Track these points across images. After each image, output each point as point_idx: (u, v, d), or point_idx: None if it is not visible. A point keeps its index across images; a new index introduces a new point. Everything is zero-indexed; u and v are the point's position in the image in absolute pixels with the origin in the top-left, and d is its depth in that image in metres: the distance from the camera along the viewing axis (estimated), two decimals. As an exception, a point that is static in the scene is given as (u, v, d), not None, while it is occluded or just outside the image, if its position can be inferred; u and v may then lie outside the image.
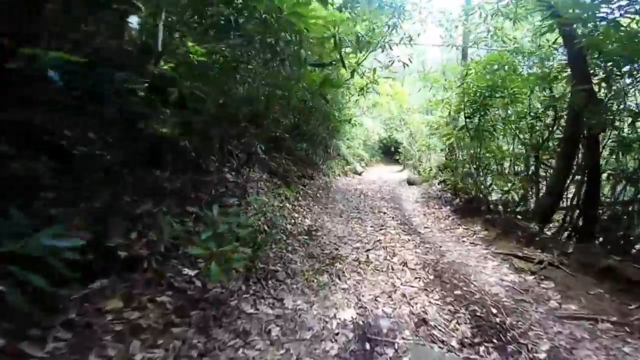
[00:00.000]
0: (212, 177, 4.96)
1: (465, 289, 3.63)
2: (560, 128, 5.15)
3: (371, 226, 6.13)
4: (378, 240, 5.17)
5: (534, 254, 4.15)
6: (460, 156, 8.61)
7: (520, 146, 6.03)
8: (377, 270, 4.10)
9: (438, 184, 9.02)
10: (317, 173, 10.26)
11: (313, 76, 3.05)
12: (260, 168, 6.93)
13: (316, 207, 7.07)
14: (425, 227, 6.17)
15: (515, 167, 5.50)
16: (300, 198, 7.10)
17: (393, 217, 6.83)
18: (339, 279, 3.80)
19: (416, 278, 3.91)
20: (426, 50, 18.37)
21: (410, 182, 11.79)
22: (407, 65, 6.05)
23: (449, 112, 10.71)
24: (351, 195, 8.81)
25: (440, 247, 4.95)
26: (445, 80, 8.53)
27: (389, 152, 24.73)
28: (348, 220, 6.49)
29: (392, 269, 4.11)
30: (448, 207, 7.27)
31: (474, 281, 3.84)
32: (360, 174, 15.58)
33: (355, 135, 16.67)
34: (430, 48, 17.14)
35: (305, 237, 4.96)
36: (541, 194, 5.23)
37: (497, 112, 6.43)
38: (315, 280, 3.68)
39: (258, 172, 6.81)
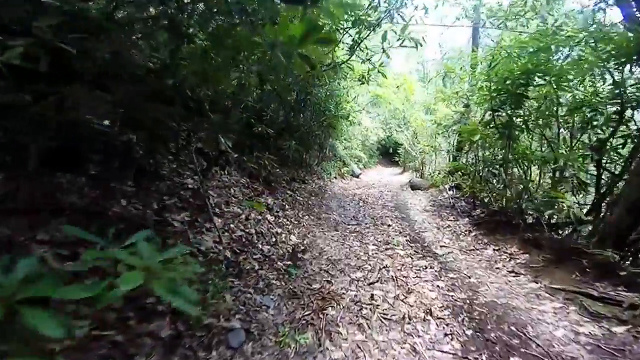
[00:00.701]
0: (160, 184, 3.61)
1: (525, 351, 2.33)
2: (628, 124, 3.87)
3: (374, 244, 4.80)
4: (385, 267, 3.84)
5: (616, 293, 2.84)
6: (480, 157, 7.34)
7: (563, 146, 4.74)
8: (387, 319, 2.77)
9: (449, 190, 7.70)
10: (310, 176, 8.93)
11: (289, 29, 1.72)
12: (239, 171, 5.60)
13: (306, 218, 5.74)
14: (443, 246, 4.84)
15: (562, 173, 4.21)
16: (287, 206, 5.76)
17: (400, 232, 5.51)
18: (330, 339, 2.46)
19: (446, 335, 2.58)
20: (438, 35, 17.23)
21: (414, 187, 10.48)
22: (421, 44, 4.71)
23: (466, 105, 9.48)
24: (349, 202, 7.48)
25: (469, 277, 3.63)
26: (461, 69, 7.23)
27: (388, 153, 23.57)
28: (345, 236, 5.15)
29: (409, 318, 2.78)
30: (466, 219, 5.96)
31: (533, 337, 2.53)
32: (358, 177, 14.29)
33: (352, 135, 15.38)
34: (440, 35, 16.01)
35: (288, 264, 3.63)
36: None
37: (532, 105, 5.12)
38: (294, 344, 2.34)
39: (236, 175, 5.49)
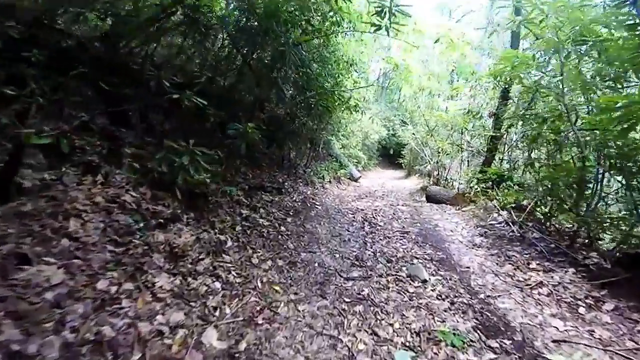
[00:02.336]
0: None
1: None
2: None
3: (405, 341, 1.98)
4: None
5: None
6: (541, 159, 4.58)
7: None
8: None
9: (501, 208, 4.88)
10: (294, 181, 6.08)
11: None
12: (131, 173, 2.78)
13: (267, 266, 2.91)
14: (557, 342, 2.02)
15: None
16: (230, 243, 2.93)
17: (449, 298, 2.75)
18: None
19: None
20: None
21: (432, 198, 7.66)
22: None
23: (505, 92, 6.71)
24: (347, 226, 4.64)
25: None
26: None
27: (388, 154, 20.88)
28: (340, 313, 2.39)
29: None
30: (570, 269, 3.14)
31: None
32: (357, 181, 11.48)
33: (351, 132, 12.56)
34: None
35: None
36: None
37: None
38: None
39: (122, 181, 2.68)
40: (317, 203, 5.48)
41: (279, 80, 4.36)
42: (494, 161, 7.70)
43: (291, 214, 4.40)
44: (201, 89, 3.33)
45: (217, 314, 2.14)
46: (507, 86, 7.08)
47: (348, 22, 5.02)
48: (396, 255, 3.61)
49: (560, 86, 3.66)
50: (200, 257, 2.51)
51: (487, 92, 7.41)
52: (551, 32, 3.83)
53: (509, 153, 7.61)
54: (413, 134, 14.18)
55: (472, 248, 3.95)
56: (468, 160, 8.95)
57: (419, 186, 11.15)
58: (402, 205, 6.23)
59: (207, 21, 4.10)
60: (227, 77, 4.71)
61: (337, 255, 3.49)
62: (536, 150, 6.32)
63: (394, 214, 5.50)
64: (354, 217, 5.04)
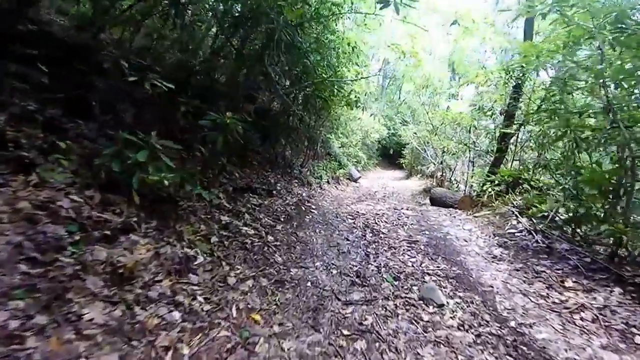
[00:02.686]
0: None
1: None
2: None
3: None
4: None
5: None
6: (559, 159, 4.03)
7: None
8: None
9: (519, 215, 4.32)
10: (289, 182, 5.52)
11: None
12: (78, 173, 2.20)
13: (247, 288, 2.34)
14: None
15: None
16: (201, 259, 2.36)
17: (474, 329, 2.16)
18: None
19: None
20: None
21: (437, 201, 7.11)
22: None
23: (517, 87, 6.15)
24: (346, 233, 4.07)
25: None
26: None
27: (388, 154, 20.33)
28: (340, 355, 1.81)
29: None
30: (616, 288, 2.58)
31: None
32: (356, 181, 10.92)
33: (351, 130, 12.01)
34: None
35: None
36: None
37: None
38: None
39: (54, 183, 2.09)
40: (313, 206, 4.91)
41: (269, 67, 3.80)
42: (503, 162, 7.16)
43: (282, 219, 3.83)
44: (184, 80, 2.78)
45: (168, 357, 1.58)
46: (519, 82, 6.54)
47: (350, 3, 4.46)
48: (404, 271, 3.04)
49: (600, 77, 3.09)
50: (157, 278, 1.94)
51: (497, 88, 6.85)
52: (583, 19, 3.28)
53: (520, 153, 7.07)
54: (415, 133, 13.65)
55: (492, 261, 3.38)
56: (472, 161, 8.40)
57: (421, 187, 10.60)
58: (407, 209, 5.66)
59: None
60: (211, 64, 4.14)
61: (335, 271, 2.92)
62: (551, 151, 5.80)
63: (398, 219, 4.93)
64: (354, 223, 4.47)
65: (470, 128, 6.87)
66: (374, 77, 6.53)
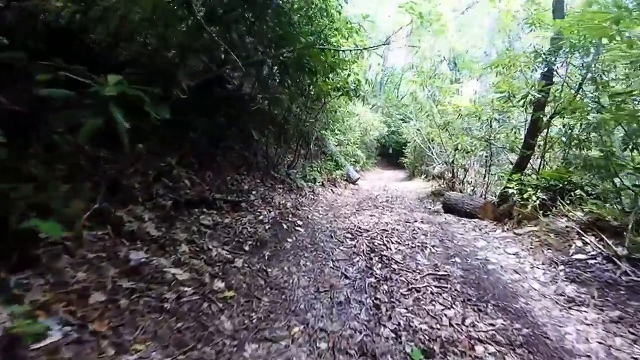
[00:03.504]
0: None
1: None
2: None
3: None
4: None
5: None
6: None
7: None
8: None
9: (585, 232, 3.05)
10: (271, 187, 4.25)
11: None
12: None
13: None
14: None
15: None
16: (60, 329, 1.04)
17: None
18: None
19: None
20: None
21: (453, 208, 5.88)
22: None
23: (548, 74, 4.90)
24: (342, 261, 2.80)
25: None
26: None
27: (387, 153, 19.12)
28: None
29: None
30: None
31: None
32: (355, 183, 9.67)
33: (349, 127, 10.74)
34: None
35: None
36: None
37: None
38: None
39: None
40: (300, 222, 3.62)
41: (234, 31, 2.52)
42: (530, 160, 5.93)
43: (247, 248, 2.55)
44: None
45: None
46: (552, 66, 5.31)
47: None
48: (439, 337, 1.78)
49: None
50: None
51: (523, 74, 5.61)
52: None
53: (549, 151, 5.84)
54: (418, 129, 12.40)
55: (570, 308, 2.12)
56: (487, 160, 7.17)
57: (428, 190, 9.33)
58: (421, 222, 4.38)
59: None
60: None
61: (324, 346, 1.66)
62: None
63: (413, 237, 3.65)
64: (354, 246, 3.19)
65: (491, 121, 5.63)
66: (382, 45, 5.18)
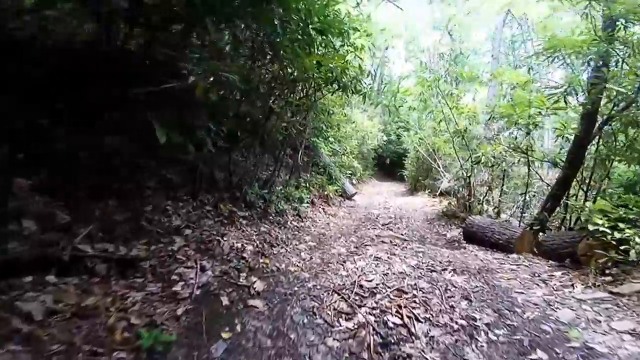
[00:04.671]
0: None
1: None
2: None
3: None
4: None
5: None
6: None
7: None
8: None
9: None
10: (227, 219, 2.77)
11: None
12: None
13: None
14: None
15: None
16: None
17: None
18: None
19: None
20: None
21: (474, 234, 4.51)
22: None
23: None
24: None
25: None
26: None
27: (384, 164, 17.91)
28: None
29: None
30: None
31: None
32: (351, 198, 8.30)
33: (344, 135, 9.37)
34: None
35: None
36: None
37: None
38: None
39: None
40: (260, 285, 2.11)
41: None
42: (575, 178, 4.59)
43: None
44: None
45: None
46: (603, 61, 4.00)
47: None
48: None
49: None
50: None
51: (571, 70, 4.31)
52: None
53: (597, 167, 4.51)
54: (421, 139, 11.09)
55: None
56: (503, 177, 5.83)
57: (436, 209, 7.94)
58: (452, 270, 2.92)
59: None
60: None
61: None
62: None
63: (449, 305, 2.19)
64: (353, 336, 1.73)
65: (529, 127, 4.28)
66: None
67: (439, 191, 8.90)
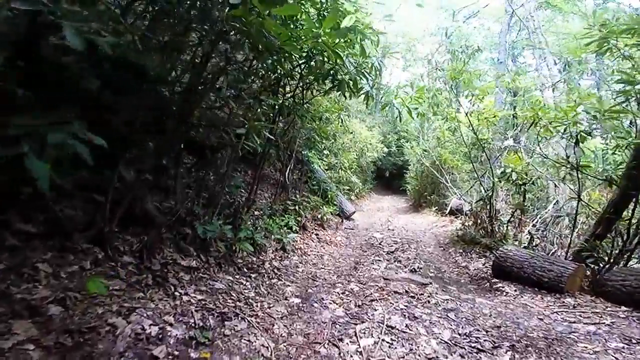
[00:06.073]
0: None
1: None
2: None
3: None
4: None
5: None
6: None
7: None
8: None
9: None
10: (153, 280, 1.67)
11: None
12: None
13: None
14: None
15: None
16: None
17: None
18: None
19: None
20: None
21: (508, 269, 3.45)
22: None
23: None
24: None
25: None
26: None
27: (383, 177, 16.97)
28: None
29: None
30: None
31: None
32: (349, 218, 7.23)
33: (343, 146, 8.37)
34: None
35: None
36: None
37: None
38: None
39: None
40: None
41: None
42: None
43: None
44: None
45: None
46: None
47: None
48: None
49: None
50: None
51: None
52: None
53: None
54: (425, 150, 10.12)
55: None
56: (521, 191, 4.81)
57: (447, 230, 6.89)
58: (516, 351, 1.87)
59: None
60: None
61: None
62: None
63: None
64: None
65: (578, 137, 3.28)
66: None
67: (448, 209, 7.86)
